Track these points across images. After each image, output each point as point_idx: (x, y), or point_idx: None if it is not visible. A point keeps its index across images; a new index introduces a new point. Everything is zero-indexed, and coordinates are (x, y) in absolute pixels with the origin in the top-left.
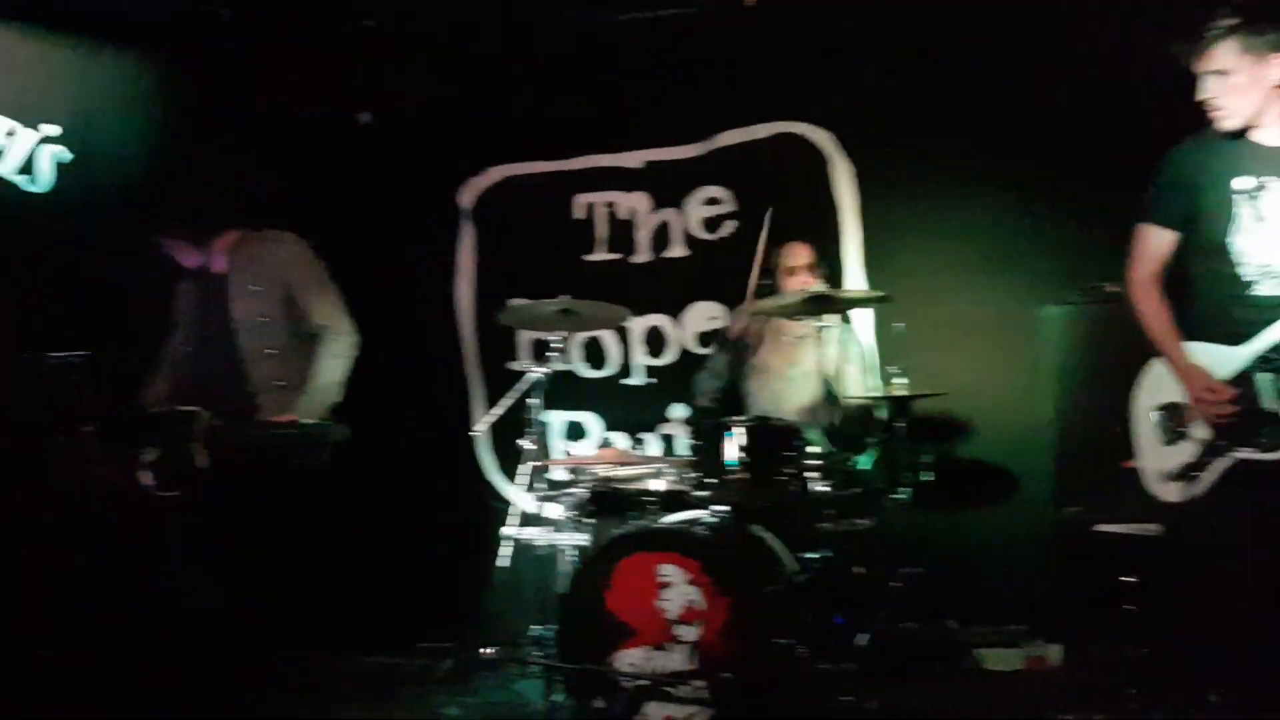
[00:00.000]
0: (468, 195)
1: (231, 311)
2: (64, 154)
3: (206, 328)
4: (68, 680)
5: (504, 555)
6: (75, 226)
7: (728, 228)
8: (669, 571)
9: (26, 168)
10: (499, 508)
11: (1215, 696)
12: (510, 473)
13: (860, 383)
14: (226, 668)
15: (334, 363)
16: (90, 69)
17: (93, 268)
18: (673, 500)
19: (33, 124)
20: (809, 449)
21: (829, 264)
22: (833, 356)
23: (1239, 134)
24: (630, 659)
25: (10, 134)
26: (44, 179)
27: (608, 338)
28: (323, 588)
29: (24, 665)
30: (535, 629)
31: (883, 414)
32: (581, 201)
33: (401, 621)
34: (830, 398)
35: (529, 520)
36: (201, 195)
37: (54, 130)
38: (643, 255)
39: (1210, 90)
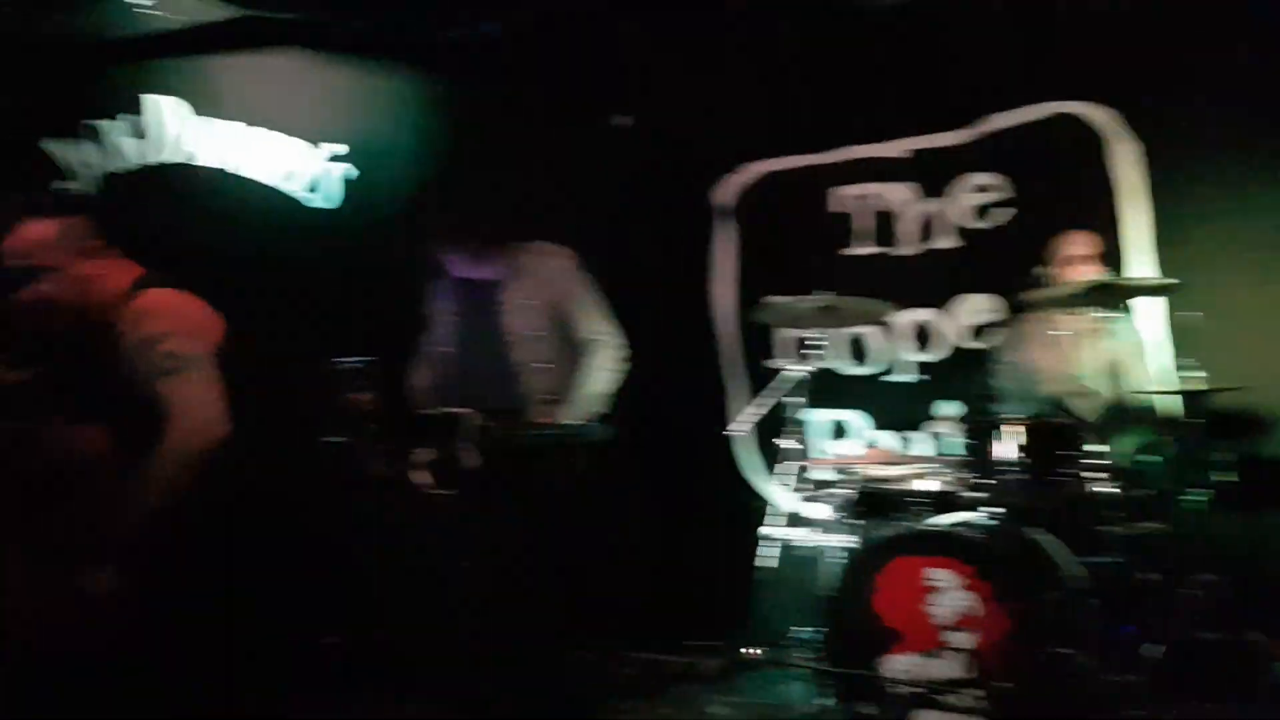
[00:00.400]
0: (726, 193)
1: (504, 324)
2: (350, 171)
3: (473, 333)
4: (353, 664)
5: (768, 556)
6: (360, 240)
7: (1000, 216)
8: (940, 576)
9: (315, 186)
10: (761, 508)
11: None
12: (771, 473)
13: (1146, 377)
14: (506, 660)
15: (601, 375)
16: (370, 89)
17: (376, 278)
18: (943, 501)
19: (319, 144)
20: (1092, 448)
21: (1110, 254)
22: (1116, 350)
23: None
24: (899, 665)
25: (299, 155)
26: (332, 196)
27: (871, 334)
28: (591, 585)
29: (316, 651)
30: (800, 630)
31: (1176, 410)
32: (842, 194)
33: (667, 620)
34: (1114, 394)
35: (793, 521)
36: (475, 209)
37: (340, 149)
38: (907, 247)
39: None
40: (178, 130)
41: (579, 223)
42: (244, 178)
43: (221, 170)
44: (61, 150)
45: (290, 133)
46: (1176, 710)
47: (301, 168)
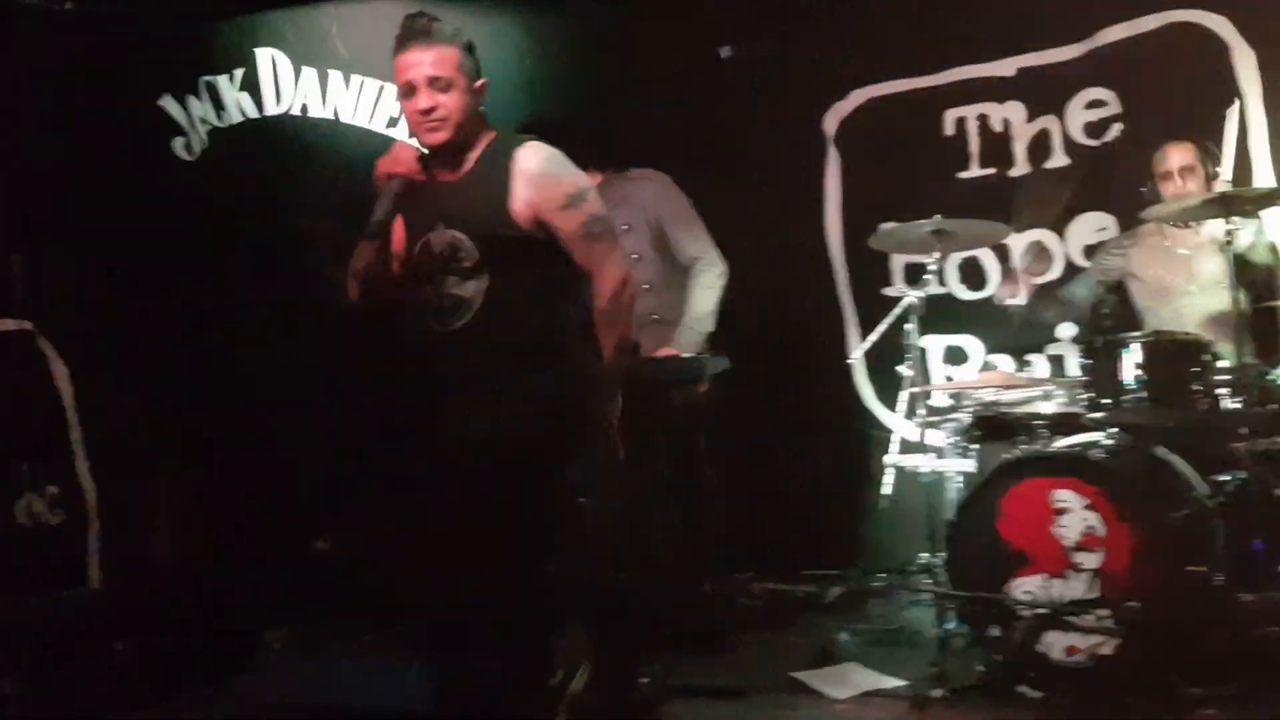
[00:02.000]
0: (831, 121)
1: None
2: None
3: None
4: None
5: (887, 483)
6: None
7: (1114, 131)
8: (1065, 497)
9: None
10: (879, 435)
11: None
12: (890, 400)
13: (1273, 288)
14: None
15: (707, 294)
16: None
17: None
18: (1064, 423)
19: None
20: (1217, 364)
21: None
22: (1242, 261)
23: None
24: (1026, 587)
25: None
26: None
27: (986, 257)
28: (709, 517)
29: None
30: (924, 556)
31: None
32: (951, 116)
33: (789, 550)
34: (1241, 308)
35: (911, 447)
36: (574, 140)
37: None
38: (1020, 168)
39: None
40: (289, 83)
41: (685, 152)
42: (356, 126)
43: (334, 120)
44: (178, 107)
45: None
46: None
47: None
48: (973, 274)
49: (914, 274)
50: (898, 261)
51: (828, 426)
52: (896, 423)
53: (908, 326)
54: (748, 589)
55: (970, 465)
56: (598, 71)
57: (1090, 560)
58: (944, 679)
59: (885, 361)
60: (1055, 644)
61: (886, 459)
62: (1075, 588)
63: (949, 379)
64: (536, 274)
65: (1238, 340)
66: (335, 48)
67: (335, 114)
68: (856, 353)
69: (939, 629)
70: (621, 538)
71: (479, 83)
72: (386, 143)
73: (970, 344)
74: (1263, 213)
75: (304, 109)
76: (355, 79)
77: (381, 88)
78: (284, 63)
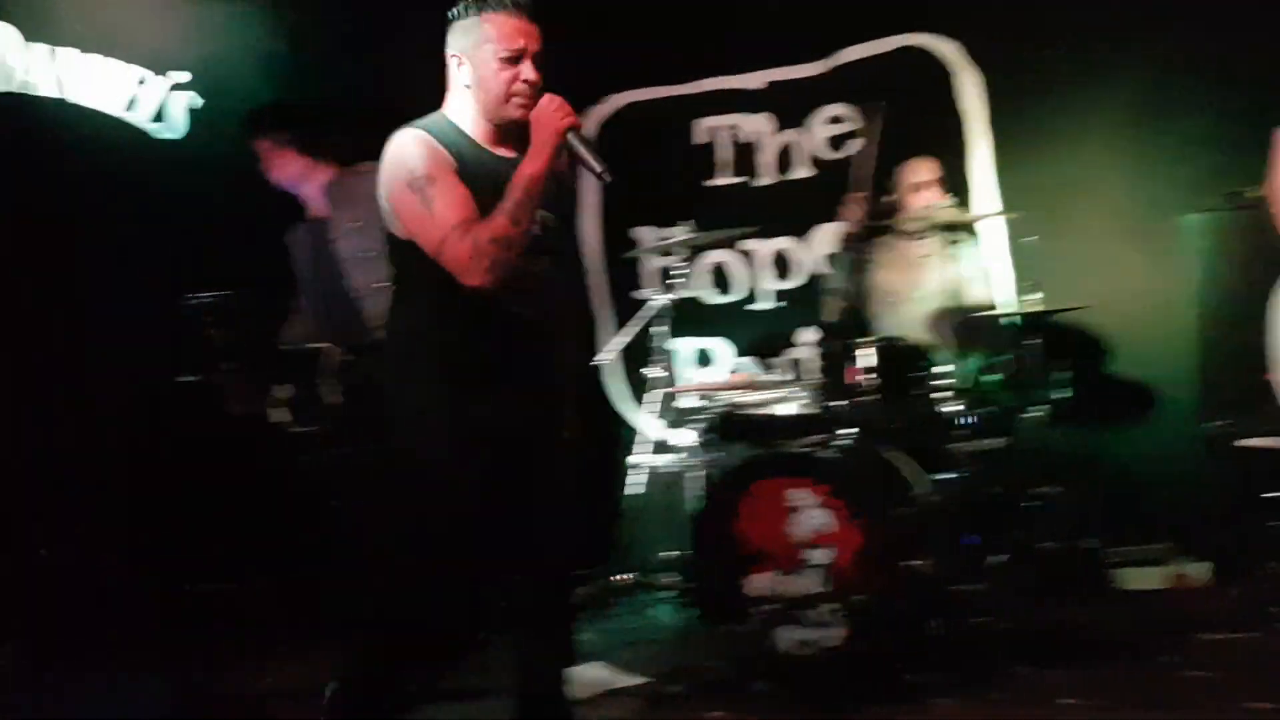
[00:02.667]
0: (588, 124)
1: (338, 251)
2: (195, 100)
3: (321, 270)
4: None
5: (635, 483)
6: (209, 170)
7: (853, 146)
8: (799, 495)
9: (159, 115)
10: (629, 436)
11: None
12: (639, 401)
13: (988, 299)
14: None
15: None
16: (215, 15)
17: (227, 210)
18: (802, 424)
19: (163, 71)
20: (938, 369)
21: (955, 180)
22: (960, 273)
23: None
24: (761, 583)
25: (142, 82)
26: (176, 125)
27: (734, 263)
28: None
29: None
30: (667, 554)
31: (1016, 330)
32: (704, 125)
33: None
34: (958, 316)
35: (659, 448)
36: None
37: (183, 77)
38: (767, 178)
39: None
40: (12, 59)
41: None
42: (84, 107)
43: (60, 100)
44: None
45: (130, 60)
46: (1019, 615)
47: (144, 96)
48: (722, 278)
49: (665, 278)
50: (650, 266)
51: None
52: (645, 423)
53: (657, 329)
54: (491, 591)
55: (714, 465)
56: (337, 59)
57: (821, 556)
58: (682, 675)
59: (637, 364)
60: (787, 638)
61: (634, 459)
62: (807, 583)
63: (696, 381)
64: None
65: (956, 346)
66: (68, 22)
67: (63, 93)
68: (606, 354)
69: (680, 626)
70: (374, 540)
71: None
72: (119, 125)
73: (718, 346)
74: (980, 228)
75: (27, 87)
76: (85, 56)
77: (113, 67)
78: (7, 37)
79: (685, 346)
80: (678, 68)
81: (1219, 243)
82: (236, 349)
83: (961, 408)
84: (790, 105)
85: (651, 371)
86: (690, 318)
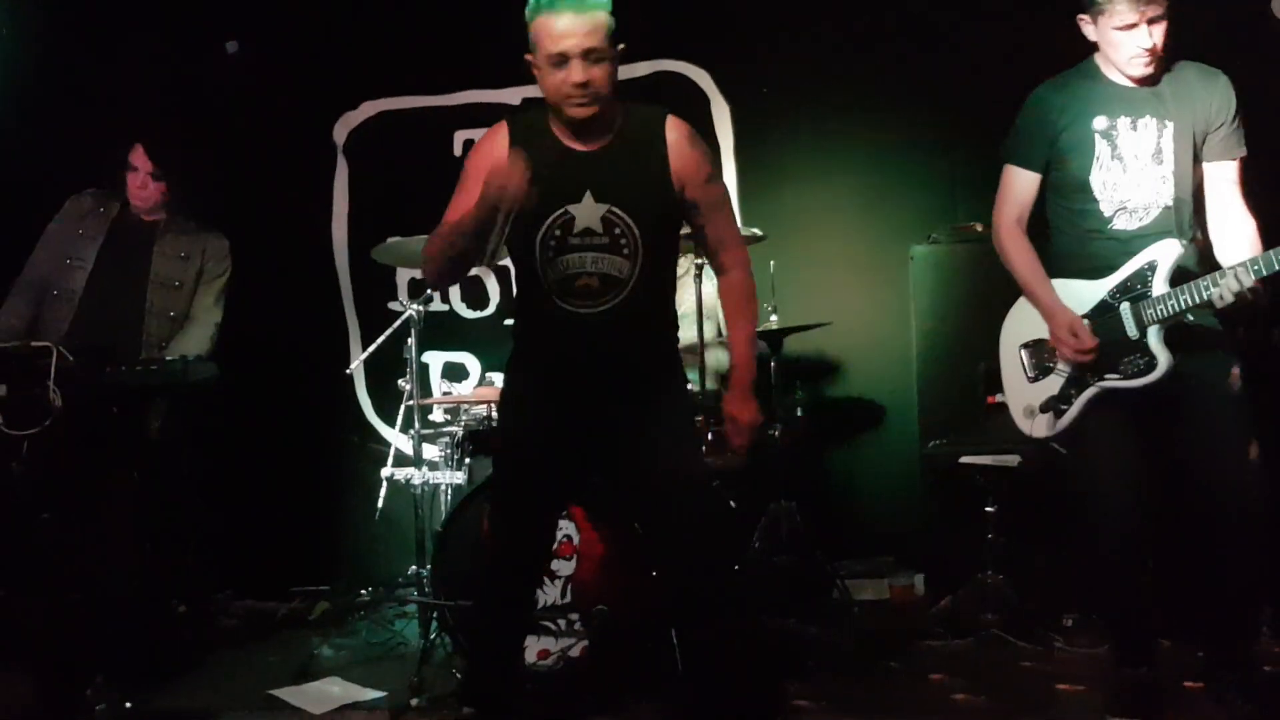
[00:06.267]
0: (341, 130)
1: (153, 264)
2: None
3: (115, 269)
4: None
5: (381, 496)
6: None
7: None
8: None
9: None
10: (376, 449)
11: (1071, 621)
12: (389, 414)
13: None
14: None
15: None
16: None
17: None
18: None
19: None
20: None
21: None
22: (710, 294)
23: (1095, 75)
24: None
25: None
26: None
27: (488, 278)
28: (186, 533)
29: None
30: (412, 569)
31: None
32: (461, 138)
33: (279, 566)
34: (708, 336)
35: (407, 461)
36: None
37: None
38: None
39: (1153, 38)
40: None
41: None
42: None
43: None
44: None
45: None
46: (752, 624)
47: None
48: (475, 293)
49: (418, 289)
50: (403, 276)
51: (325, 439)
52: (394, 436)
53: (408, 341)
54: (226, 607)
55: (461, 478)
56: (78, 53)
57: (565, 568)
58: (422, 689)
59: (388, 376)
60: (530, 648)
61: (383, 472)
62: (551, 594)
63: (447, 394)
64: (675, 254)
65: (700, 368)
66: None
67: None
68: (354, 364)
69: (422, 640)
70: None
71: (620, 47)
72: None
73: (469, 360)
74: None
75: None
76: None
77: None
78: None
79: (437, 360)
80: (435, 78)
81: (945, 273)
82: None
83: (700, 424)
84: None
85: (401, 384)
86: (444, 331)
